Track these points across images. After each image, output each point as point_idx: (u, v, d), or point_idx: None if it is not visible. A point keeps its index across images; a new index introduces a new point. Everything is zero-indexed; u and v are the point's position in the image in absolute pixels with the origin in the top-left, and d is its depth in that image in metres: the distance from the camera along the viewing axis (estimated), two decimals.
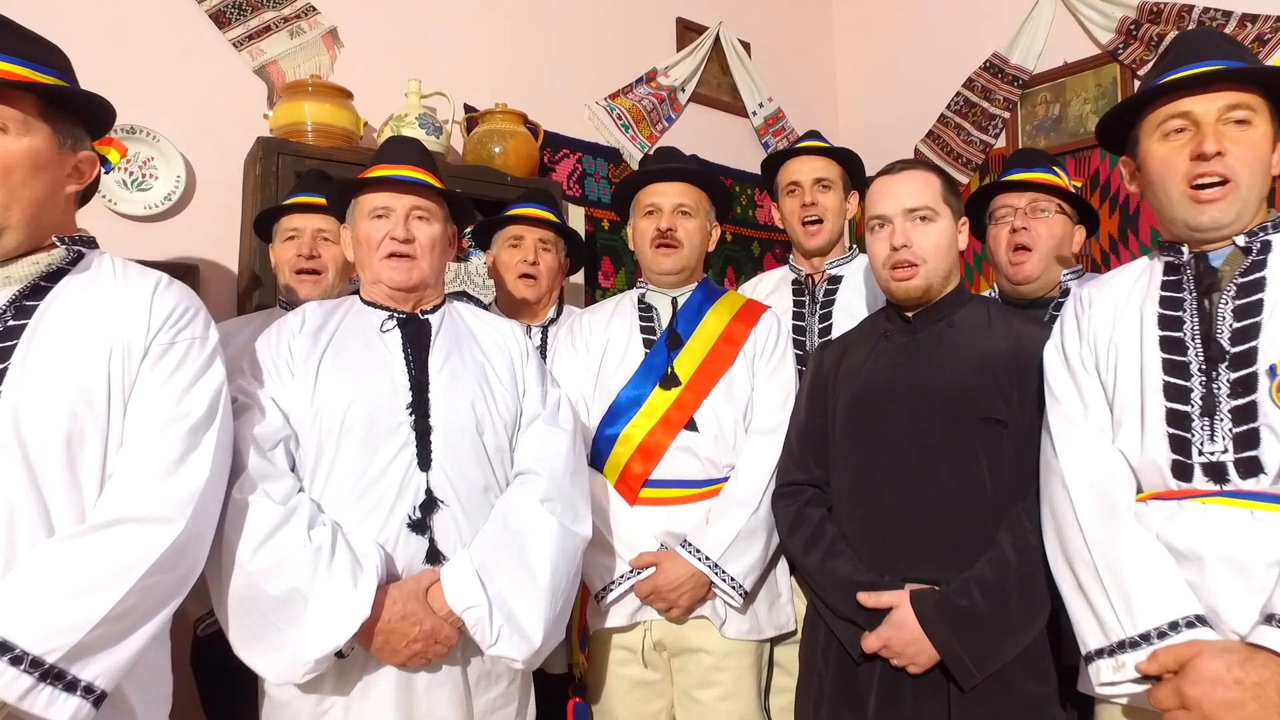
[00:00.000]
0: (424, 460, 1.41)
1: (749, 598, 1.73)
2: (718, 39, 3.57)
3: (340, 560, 1.27)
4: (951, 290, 1.64)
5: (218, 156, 2.45)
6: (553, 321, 2.16)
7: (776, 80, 3.79)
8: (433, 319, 1.58)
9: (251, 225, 2.32)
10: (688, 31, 3.51)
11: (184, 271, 2.34)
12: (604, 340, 1.89)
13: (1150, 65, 1.46)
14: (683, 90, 3.44)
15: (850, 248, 2.16)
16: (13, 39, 1.19)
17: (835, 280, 2.11)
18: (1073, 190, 1.90)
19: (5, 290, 1.17)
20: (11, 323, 1.14)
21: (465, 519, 1.42)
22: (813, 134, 2.22)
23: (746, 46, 3.69)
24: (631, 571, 1.72)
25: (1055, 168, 1.93)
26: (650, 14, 3.46)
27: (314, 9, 2.64)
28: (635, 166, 3.29)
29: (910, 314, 1.65)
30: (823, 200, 2.08)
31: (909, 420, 1.55)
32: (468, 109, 2.86)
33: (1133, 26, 2.92)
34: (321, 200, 1.95)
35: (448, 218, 1.61)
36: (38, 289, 1.18)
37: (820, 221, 2.08)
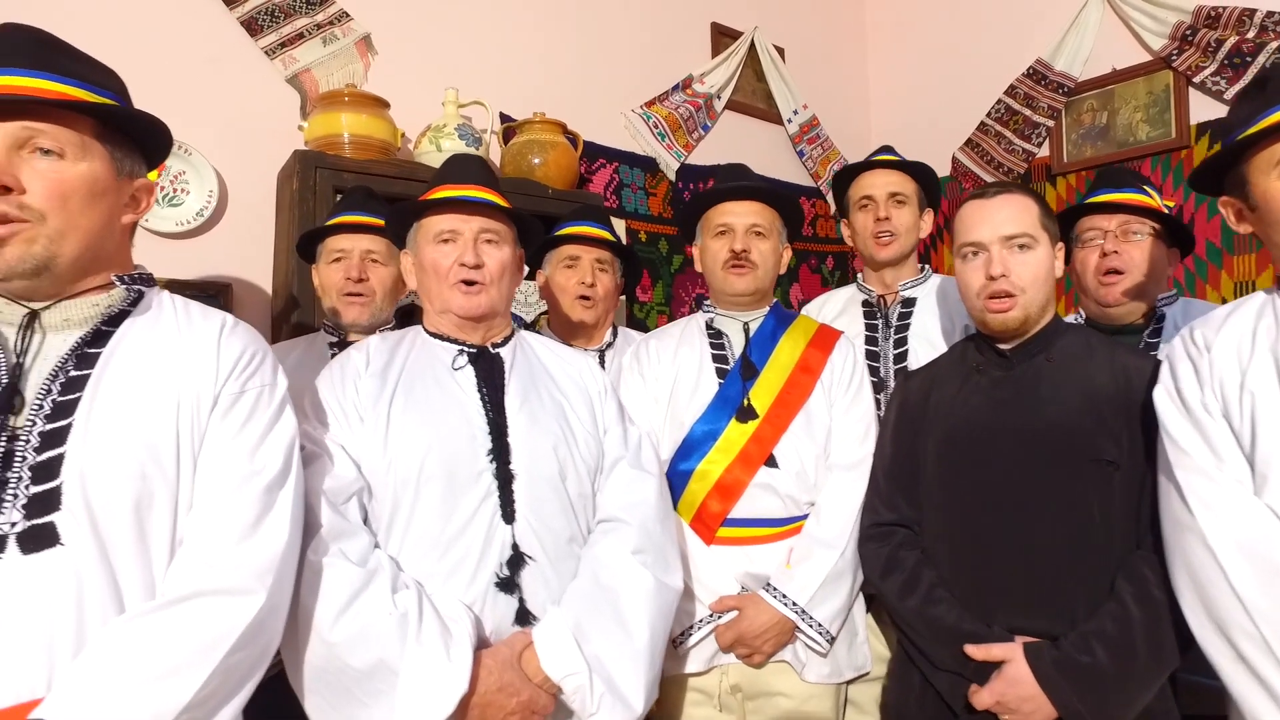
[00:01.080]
0: (508, 512, 1.30)
1: (834, 642, 1.64)
2: (753, 44, 3.48)
3: (429, 628, 1.17)
4: (1049, 321, 1.55)
5: (250, 170, 2.34)
6: (609, 346, 2.06)
7: (808, 86, 3.70)
8: (504, 353, 1.48)
9: (286, 242, 2.22)
10: (722, 37, 3.42)
11: (217, 290, 2.23)
12: (674, 369, 1.79)
13: (1240, 94, 1.34)
14: (718, 97, 3.35)
15: (922, 268, 2.07)
16: (68, 61, 1.09)
17: (909, 303, 2.01)
18: (1166, 210, 1.81)
19: (65, 335, 1.07)
20: (74, 373, 1.04)
21: (554, 574, 1.32)
22: (886, 148, 2.12)
23: (781, 52, 3.60)
24: (711, 616, 1.62)
25: (1146, 187, 1.84)
26: (684, 19, 3.36)
27: (346, 15, 2.53)
28: (672, 177, 3.19)
29: (1005, 346, 1.55)
30: (897, 216, 1.98)
31: (1012, 461, 1.45)
32: (503, 118, 2.76)
33: (1188, 32, 2.83)
34: (371, 220, 1.85)
35: (516, 240, 1.51)
36: (100, 334, 1.08)
37: (894, 236, 1.98)
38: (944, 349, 1.91)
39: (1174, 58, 2.88)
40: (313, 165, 2.19)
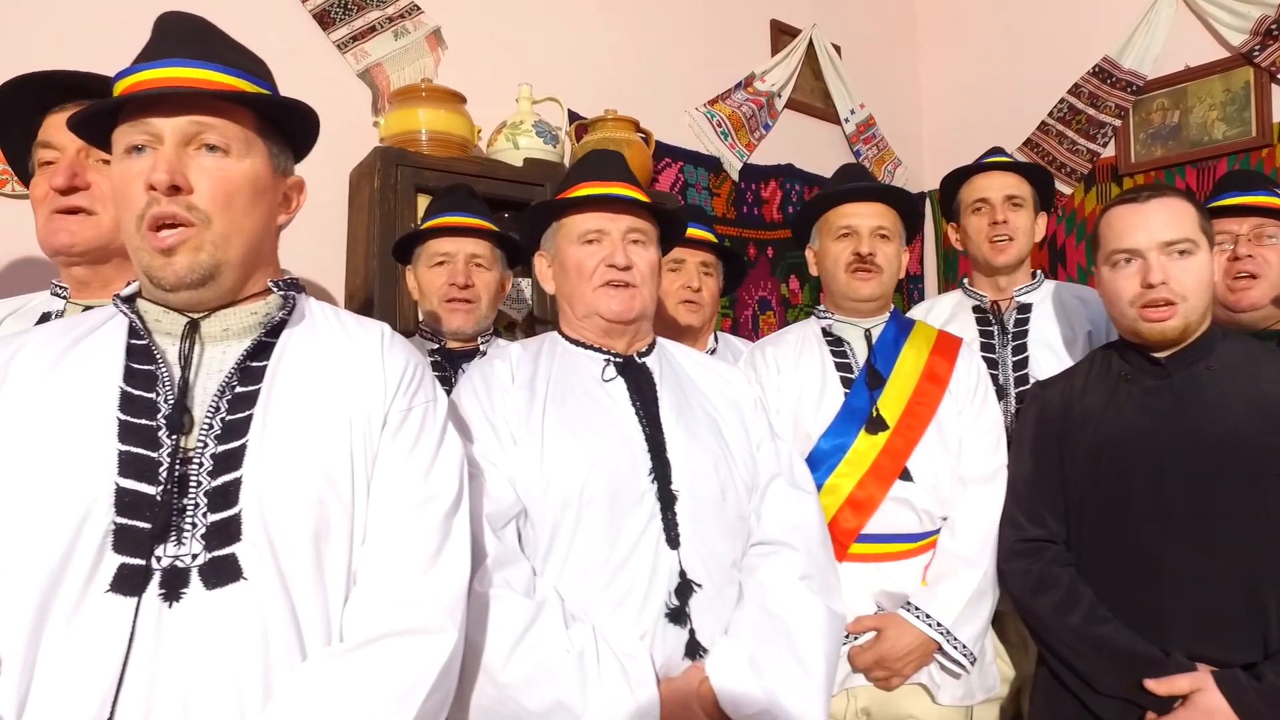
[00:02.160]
0: (671, 536, 1.22)
1: (975, 664, 1.56)
2: (811, 42, 3.40)
3: (608, 666, 1.09)
4: (1207, 327, 1.48)
5: (323, 167, 2.22)
6: (712, 352, 1.98)
7: (860, 85, 3.63)
8: (650, 363, 1.39)
9: (365, 243, 2.13)
10: (782, 34, 3.34)
11: None
12: (796, 379, 1.71)
13: None
14: (779, 96, 3.27)
15: (1034, 273, 1.99)
16: (228, 51, 1.01)
17: (1025, 309, 1.94)
18: None
19: (224, 347, 0.98)
20: (240, 389, 0.95)
21: (719, 602, 1.24)
22: (997, 150, 2.05)
23: (838, 50, 3.52)
24: (848, 637, 1.54)
25: (1278, 189, 1.78)
26: (744, 15, 3.28)
27: (418, 8, 2.44)
28: (735, 177, 3.12)
29: (1160, 354, 1.48)
30: (1014, 219, 1.91)
31: (1181, 475, 1.38)
32: (572, 116, 2.67)
33: (1274, 27, 2.77)
34: (477, 221, 1.76)
35: (659, 241, 1.42)
36: (262, 346, 0.99)
37: (1010, 240, 1.91)
38: (1066, 357, 1.85)
39: (1256, 53, 2.82)
40: (393, 163, 2.10)
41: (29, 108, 1.27)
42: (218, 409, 0.93)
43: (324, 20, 2.29)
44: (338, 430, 0.97)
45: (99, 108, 0.95)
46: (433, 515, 0.99)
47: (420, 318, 1.87)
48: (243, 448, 0.91)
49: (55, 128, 1.23)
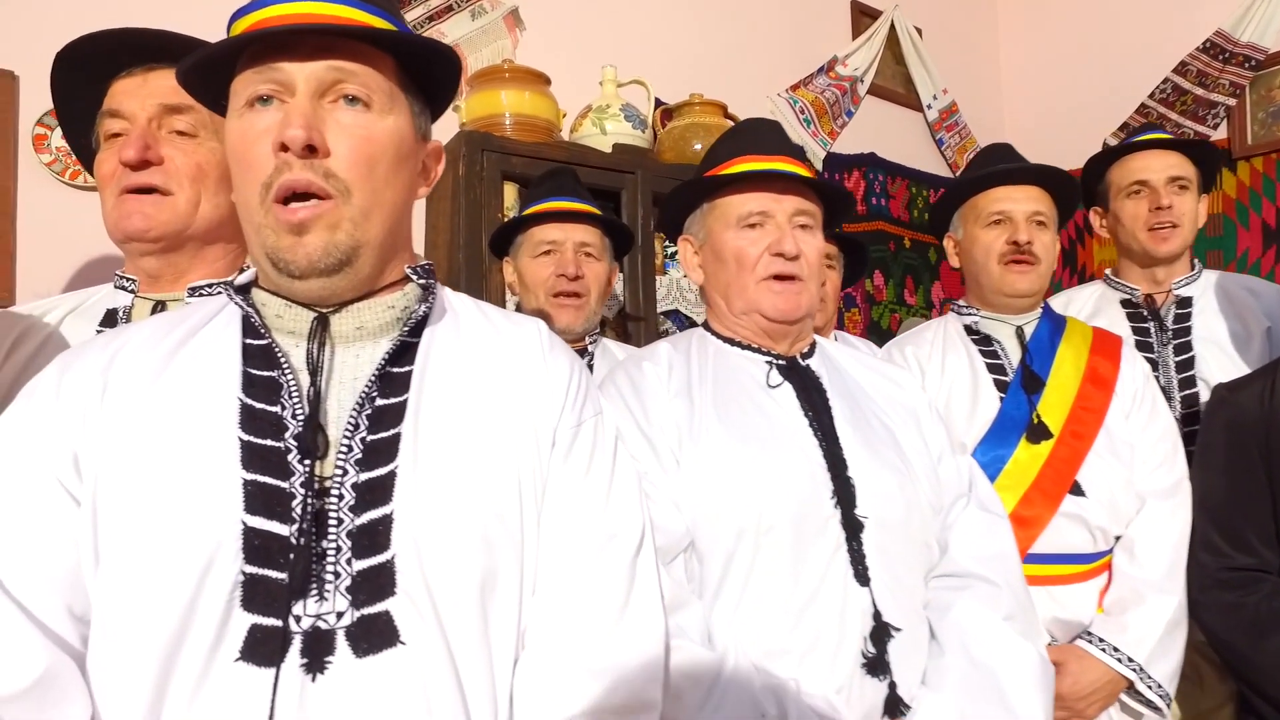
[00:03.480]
0: (860, 569, 1.04)
1: (1170, 705, 1.38)
2: (893, 24, 3.22)
3: None
4: None
5: None
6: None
7: (940, 69, 3.43)
8: (814, 365, 1.22)
9: (447, 234, 1.98)
10: (863, 16, 3.16)
11: None
12: (944, 382, 1.54)
13: None
14: (861, 81, 3.09)
15: (1193, 262, 1.80)
16: None
17: (1185, 303, 1.74)
18: None
19: (357, 349, 0.81)
20: (381, 401, 0.77)
21: (915, 647, 1.06)
22: (1152, 126, 1.87)
23: (919, 32, 3.33)
24: None
25: None
26: None
27: None
28: (819, 166, 2.94)
29: None
30: (1179, 204, 1.71)
31: None
32: (655, 101, 2.50)
33: None
34: (587, 207, 1.60)
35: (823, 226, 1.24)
36: (404, 348, 0.82)
37: (1175, 227, 1.71)
38: (1238, 357, 1.65)
39: None
40: (479, 147, 1.94)
41: (93, 74, 1.10)
42: (357, 426, 0.76)
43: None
44: (503, 453, 0.79)
45: (215, 50, 0.78)
46: (617, 556, 0.82)
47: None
48: (391, 476, 0.74)
49: (124, 94, 1.06)
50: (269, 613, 0.68)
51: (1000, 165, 1.56)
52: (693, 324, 2.33)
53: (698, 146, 2.36)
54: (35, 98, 1.69)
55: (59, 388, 0.76)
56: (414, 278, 0.86)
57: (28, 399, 0.77)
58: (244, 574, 0.68)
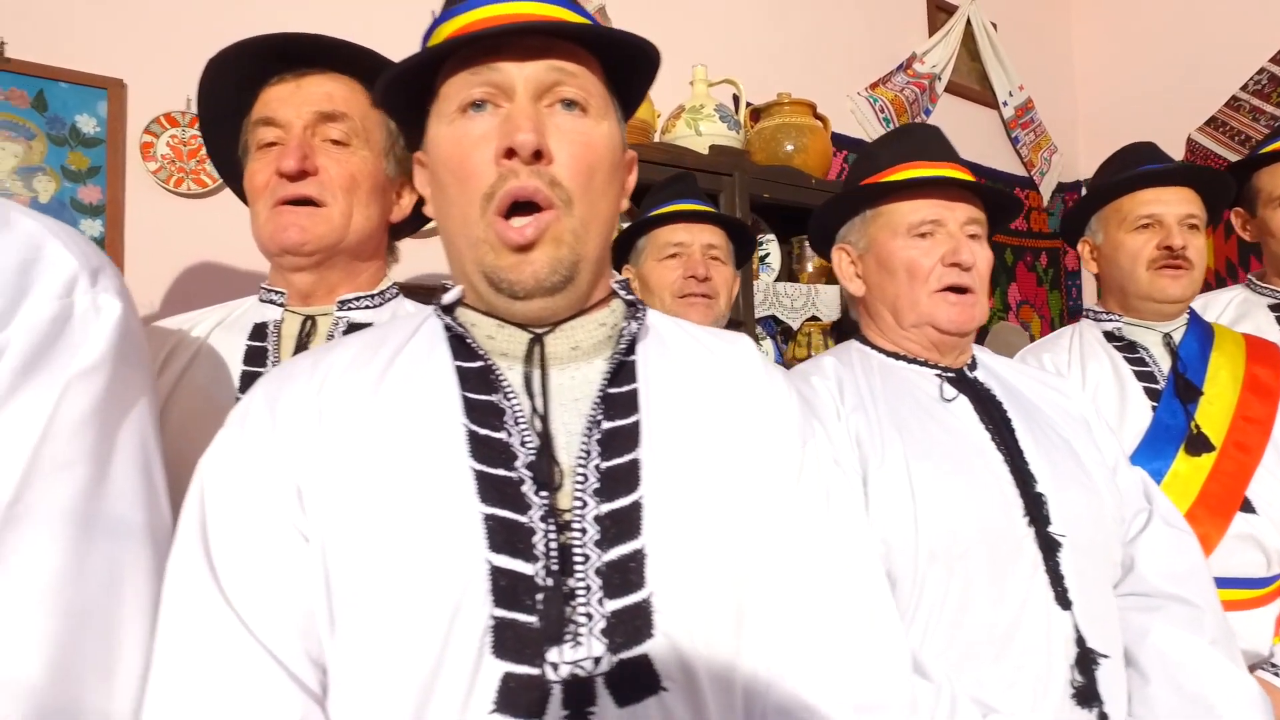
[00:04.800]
0: (1059, 592, 0.98)
1: None
2: (968, 20, 3.14)
3: None
4: None
5: None
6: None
7: (1013, 63, 3.35)
8: (980, 377, 1.17)
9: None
10: (939, 11, 3.09)
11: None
12: (1087, 390, 1.47)
13: None
14: (939, 79, 3.02)
15: None
16: None
17: None
18: None
19: (574, 370, 0.76)
20: (609, 424, 0.72)
21: (1119, 674, 1.00)
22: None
23: (994, 27, 3.26)
24: None
25: None
26: None
27: None
28: None
29: None
30: None
31: None
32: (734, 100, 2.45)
33: None
34: (710, 210, 1.55)
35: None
36: (620, 367, 0.77)
37: None
38: None
39: None
40: None
41: (241, 80, 1.06)
42: (589, 453, 0.71)
43: None
44: (742, 478, 0.74)
45: (424, 57, 0.73)
46: (859, 583, 0.77)
47: None
48: (636, 507, 0.68)
49: (279, 101, 1.02)
50: (522, 659, 0.62)
51: (1148, 166, 1.50)
52: (787, 330, 2.27)
53: (789, 147, 2.31)
54: (142, 105, 1.66)
55: (273, 417, 0.72)
56: (620, 294, 0.82)
57: (240, 429, 0.72)
58: (493, 618, 0.63)
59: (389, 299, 1.09)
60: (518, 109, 0.71)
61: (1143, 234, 1.47)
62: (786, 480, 0.77)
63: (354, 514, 0.66)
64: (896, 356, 1.16)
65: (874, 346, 1.19)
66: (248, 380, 0.98)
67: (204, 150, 1.74)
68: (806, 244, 2.33)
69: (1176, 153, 3.19)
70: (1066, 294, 3.37)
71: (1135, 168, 1.51)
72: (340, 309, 1.04)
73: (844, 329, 2.30)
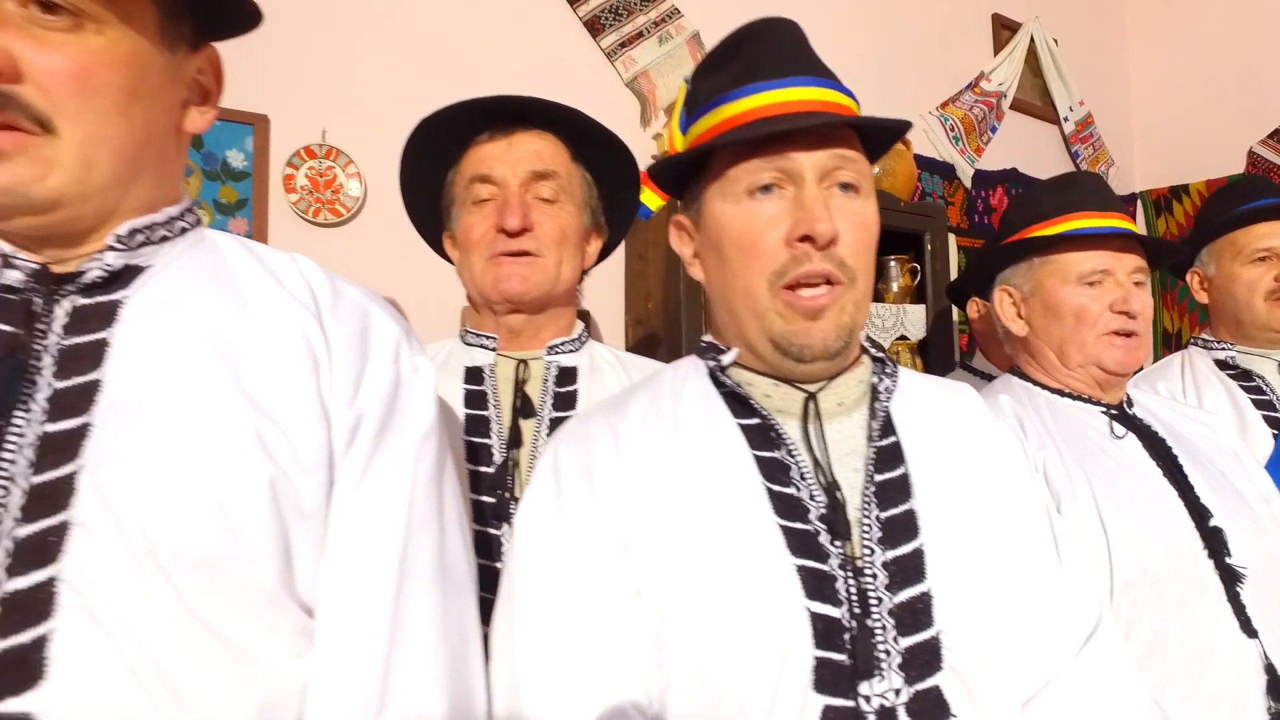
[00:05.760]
0: (1243, 620, 1.05)
1: None
2: (1031, 37, 3.19)
3: None
4: None
5: None
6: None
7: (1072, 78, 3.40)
8: (1138, 413, 1.23)
9: (662, 264, 2.01)
10: (1003, 29, 3.14)
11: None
12: None
13: None
14: (1005, 96, 3.07)
15: None
16: (822, 65, 0.85)
17: None
18: None
19: (840, 424, 0.82)
20: (880, 476, 0.79)
21: None
22: None
23: (1056, 44, 3.31)
24: None
25: None
26: (966, 10, 3.09)
27: (678, 11, 2.30)
28: (967, 184, 2.93)
29: None
30: None
31: None
32: None
33: None
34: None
35: None
36: (884, 422, 0.83)
37: None
38: None
39: None
40: None
41: (449, 136, 1.14)
42: (869, 503, 0.78)
43: (594, 27, 2.17)
44: (1002, 522, 0.82)
45: (723, 141, 0.80)
46: (1101, 611, 0.85)
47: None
48: (919, 554, 0.76)
49: (494, 160, 1.10)
50: (838, 693, 0.70)
51: (1264, 200, 1.56)
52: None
53: (876, 170, 2.36)
54: (284, 139, 1.73)
55: (589, 477, 0.78)
56: (869, 351, 0.88)
57: (555, 486, 0.78)
58: (815, 658, 0.70)
59: (584, 343, 1.16)
60: (810, 197, 0.77)
61: (1259, 266, 1.53)
62: (1029, 518, 0.84)
63: (680, 568, 0.73)
64: (1060, 393, 1.23)
65: (1036, 383, 1.25)
66: (472, 424, 1.05)
67: (338, 180, 1.82)
68: (892, 263, 2.39)
69: (1237, 166, 3.24)
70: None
71: (1250, 201, 1.57)
72: (549, 353, 1.11)
73: (928, 348, 2.36)
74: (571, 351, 1.13)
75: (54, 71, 0.59)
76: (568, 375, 1.10)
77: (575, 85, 2.13)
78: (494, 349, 1.12)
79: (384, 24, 1.89)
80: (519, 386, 1.07)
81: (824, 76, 0.83)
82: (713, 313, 0.88)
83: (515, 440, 1.01)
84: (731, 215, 0.80)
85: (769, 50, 0.83)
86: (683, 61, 2.30)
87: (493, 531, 0.98)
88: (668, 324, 1.98)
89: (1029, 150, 3.20)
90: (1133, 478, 1.12)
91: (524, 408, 1.04)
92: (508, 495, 0.97)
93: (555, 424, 1.04)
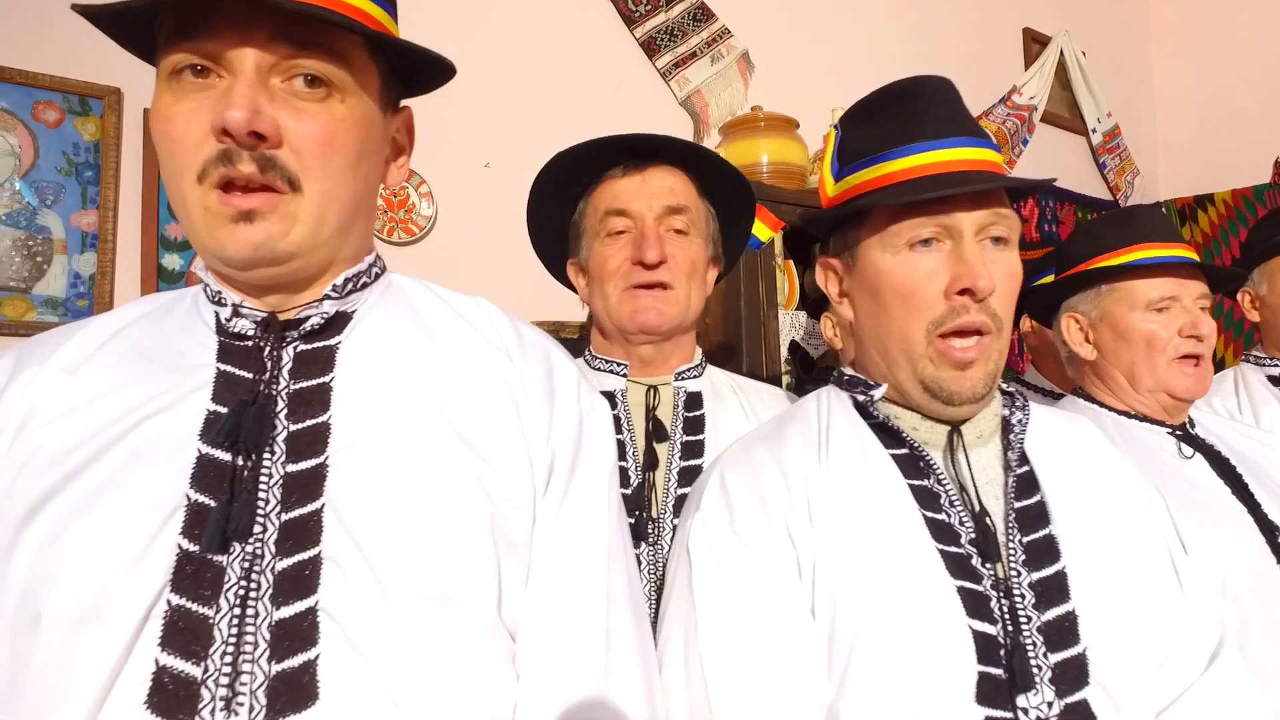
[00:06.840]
0: None
1: None
2: (1061, 50, 3.26)
3: None
4: None
5: None
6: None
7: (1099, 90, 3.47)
8: (1201, 434, 1.29)
9: (737, 285, 2.06)
10: (1034, 43, 3.20)
11: None
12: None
13: None
14: (1036, 109, 3.13)
15: None
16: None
17: None
18: None
19: (978, 454, 0.89)
20: (1018, 503, 0.86)
21: None
22: None
23: (1084, 56, 3.37)
24: None
25: None
26: (997, 25, 3.15)
27: (728, 31, 2.36)
28: None
29: None
30: None
31: None
32: None
33: None
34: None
35: None
36: (1018, 451, 0.90)
37: None
38: None
39: None
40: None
41: (581, 169, 1.18)
42: (1012, 528, 0.84)
43: (650, 48, 2.22)
44: (1132, 543, 0.88)
45: (886, 200, 0.85)
46: (1218, 621, 0.92)
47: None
48: (1062, 575, 0.82)
49: (629, 194, 1.13)
50: (996, 705, 0.76)
51: None
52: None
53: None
54: None
55: (761, 498, 0.83)
56: (1002, 385, 0.95)
57: (727, 513, 0.83)
58: (978, 672, 0.76)
59: (705, 368, 1.21)
60: (970, 253, 0.83)
61: None
62: (1152, 540, 0.91)
63: (854, 588, 0.79)
64: (1128, 416, 1.29)
65: (1102, 405, 1.31)
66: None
67: (411, 200, 1.87)
68: None
69: (1262, 176, 3.30)
70: None
71: None
72: (678, 379, 1.16)
73: None
74: (695, 377, 1.18)
75: (308, 136, 0.65)
76: (694, 400, 1.15)
77: (632, 107, 2.19)
78: (624, 374, 1.16)
79: (452, 49, 1.94)
80: (649, 411, 1.12)
81: (979, 136, 0.88)
82: (859, 349, 0.94)
83: (650, 463, 1.06)
84: (892, 265, 0.86)
85: (928, 109, 0.88)
86: (732, 80, 2.35)
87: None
88: (726, 339, 2.03)
89: (1058, 161, 3.26)
90: (1205, 496, 1.18)
91: (657, 432, 1.09)
92: (645, 516, 1.03)
93: (686, 447, 1.09)
